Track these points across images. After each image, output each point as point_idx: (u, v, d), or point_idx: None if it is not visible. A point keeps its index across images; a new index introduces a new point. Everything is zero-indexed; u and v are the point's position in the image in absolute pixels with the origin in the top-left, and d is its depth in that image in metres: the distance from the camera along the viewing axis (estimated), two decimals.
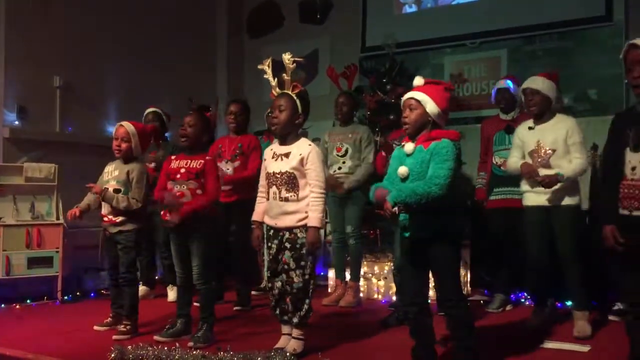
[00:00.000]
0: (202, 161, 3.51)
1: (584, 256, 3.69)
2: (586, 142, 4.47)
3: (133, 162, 3.78)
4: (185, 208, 3.43)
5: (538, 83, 3.72)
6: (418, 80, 2.90)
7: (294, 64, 3.23)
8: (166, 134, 5.16)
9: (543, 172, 3.61)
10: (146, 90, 6.08)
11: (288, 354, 3.04)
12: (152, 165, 4.67)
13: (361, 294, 4.83)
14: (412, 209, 2.74)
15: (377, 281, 4.92)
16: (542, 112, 3.71)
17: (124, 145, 3.75)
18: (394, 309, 4.05)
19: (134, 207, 3.66)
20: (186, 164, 3.51)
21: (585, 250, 3.76)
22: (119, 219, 3.70)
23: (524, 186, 3.75)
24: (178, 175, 3.49)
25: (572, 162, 3.58)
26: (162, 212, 3.56)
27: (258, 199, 3.35)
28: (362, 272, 4.84)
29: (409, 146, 2.83)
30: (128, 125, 3.79)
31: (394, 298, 4.45)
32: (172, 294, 4.71)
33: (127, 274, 3.73)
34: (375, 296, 4.90)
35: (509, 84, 4.46)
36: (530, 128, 3.75)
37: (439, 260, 2.80)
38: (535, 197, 3.67)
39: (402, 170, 2.79)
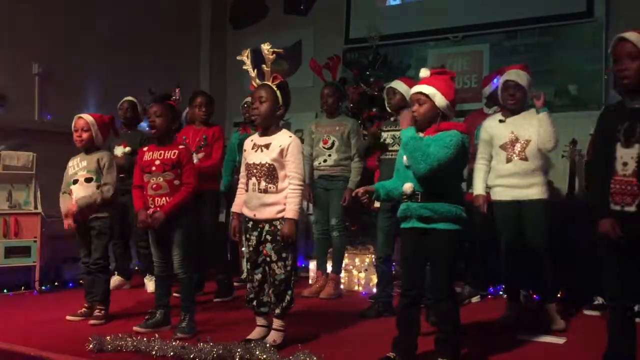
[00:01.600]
0: (176, 151, 3.48)
1: (559, 250, 3.73)
2: (566, 137, 4.55)
3: (98, 151, 3.82)
4: (167, 206, 3.42)
5: (523, 78, 3.67)
6: (424, 72, 2.91)
7: (274, 55, 3.22)
8: (141, 124, 5.13)
9: (518, 163, 3.61)
10: (127, 80, 6.01)
11: (268, 345, 3.04)
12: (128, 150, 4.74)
13: (342, 286, 4.85)
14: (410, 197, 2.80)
15: (358, 273, 4.94)
16: (521, 108, 3.68)
17: (84, 135, 3.79)
18: (373, 301, 4.07)
19: (109, 195, 3.71)
20: (160, 155, 3.48)
21: (562, 244, 3.81)
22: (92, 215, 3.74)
23: (494, 180, 3.73)
24: (153, 168, 3.47)
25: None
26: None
27: (238, 190, 3.34)
28: (343, 264, 4.86)
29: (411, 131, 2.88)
30: (86, 117, 3.84)
31: (374, 290, 4.48)
32: (151, 284, 4.69)
33: (101, 259, 3.76)
34: (356, 288, 4.92)
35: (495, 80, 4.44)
36: (500, 121, 3.72)
37: (437, 252, 2.83)
38: (504, 192, 3.68)
39: (406, 158, 2.84)
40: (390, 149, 4.01)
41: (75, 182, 3.77)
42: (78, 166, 3.79)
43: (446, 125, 2.82)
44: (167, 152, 3.49)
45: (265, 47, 3.22)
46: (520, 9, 5.72)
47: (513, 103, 3.68)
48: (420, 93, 2.84)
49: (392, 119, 4.13)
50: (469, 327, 3.58)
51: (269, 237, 3.17)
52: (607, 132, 2.55)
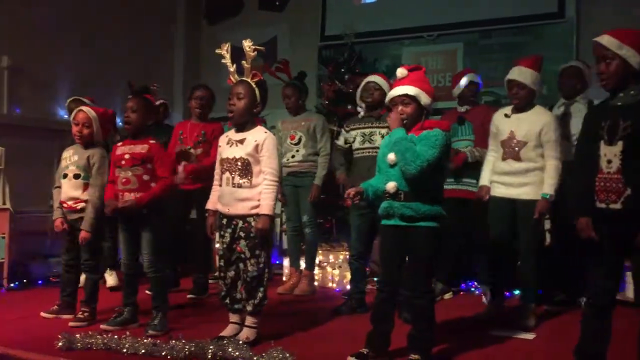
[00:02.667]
0: (147, 145, 3.44)
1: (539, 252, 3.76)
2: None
3: (93, 147, 3.71)
4: (143, 196, 3.36)
5: (527, 77, 3.62)
6: (402, 73, 2.92)
7: (255, 52, 3.20)
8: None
9: (511, 163, 3.62)
10: (100, 74, 5.92)
11: (241, 342, 3.03)
12: None
13: (316, 283, 4.85)
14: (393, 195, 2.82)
15: (332, 270, 4.95)
16: (526, 105, 3.66)
17: (85, 131, 3.66)
18: (347, 298, 4.08)
19: (97, 200, 3.58)
20: (130, 150, 3.44)
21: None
22: (80, 205, 3.63)
23: (494, 176, 3.74)
24: (123, 162, 3.42)
25: (546, 166, 3.56)
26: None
27: (213, 187, 3.32)
28: (317, 261, 4.86)
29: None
30: (89, 111, 3.70)
31: (348, 287, 4.49)
32: (111, 279, 4.63)
33: (90, 260, 3.67)
34: (330, 285, 4.93)
35: (473, 78, 4.47)
36: (506, 115, 3.71)
37: (417, 250, 2.85)
38: (502, 189, 3.68)
39: (392, 156, 2.84)
40: (360, 146, 4.03)
41: (65, 176, 3.67)
42: (70, 160, 3.69)
43: (430, 124, 2.86)
44: (137, 146, 3.44)
45: (247, 44, 3.20)
46: (493, 9, 5.79)
47: (517, 102, 3.67)
48: (406, 95, 2.86)
49: (360, 115, 4.14)
50: (441, 323, 3.61)
51: (242, 234, 3.15)
52: (591, 130, 2.57)
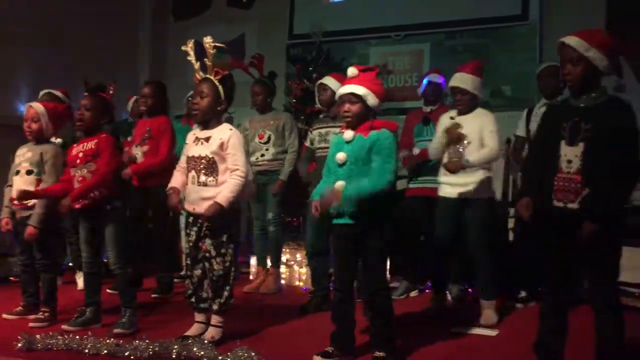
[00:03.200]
0: (96, 140, 3.39)
1: (494, 245, 3.84)
2: (501, 137, 4.69)
3: (46, 143, 3.65)
4: (74, 192, 3.31)
5: (468, 83, 3.72)
6: (352, 72, 2.93)
7: (215, 50, 3.18)
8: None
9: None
10: (62, 70, 5.80)
11: (206, 341, 3.01)
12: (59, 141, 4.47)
13: (282, 281, 4.85)
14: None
15: (299, 268, 4.95)
16: (469, 110, 3.76)
17: (34, 126, 3.60)
18: (312, 296, 4.09)
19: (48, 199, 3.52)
20: (82, 147, 3.41)
21: (495, 239, 3.93)
22: (30, 202, 3.55)
23: (442, 177, 3.82)
24: (77, 161, 3.38)
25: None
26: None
27: (175, 171, 3.29)
28: (284, 259, 4.85)
29: (348, 134, 2.88)
30: (37, 106, 3.64)
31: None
32: (81, 281, 4.55)
33: (44, 259, 3.59)
34: (297, 283, 4.92)
35: (436, 78, 4.52)
36: (452, 118, 3.80)
37: (371, 248, 2.87)
38: (450, 189, 3.76)
39: (340, 156, 2.85)
40: (318, 145, 4.05)
41: (17, 172, 3.61)
42: (23, 157, 3.64)
43: (378, 124, 2.87)
44: (88, 142, 3.40)
45: (207, 41, 3.18)
46: (459, 10, 5.87)
47: (461, 108, 3.77)
48: (352, 94, 2.86)
49: (321, 115, 4.17)
50: (406, 320, 3.66)
51: (208, 233, 3.13)
52: (550, 128, 2.60)
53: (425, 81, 4.48)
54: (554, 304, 2.61)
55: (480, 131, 3.69)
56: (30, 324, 3.44)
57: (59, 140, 4.51)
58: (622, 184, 2.44)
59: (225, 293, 3.15)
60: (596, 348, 2.53)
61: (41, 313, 3.55)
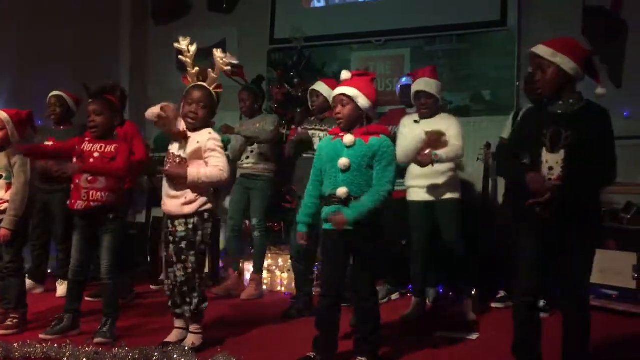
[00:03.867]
0: (116, 145, 3.37)
1: (470, 246, 3.92)
2: (480, 141, 4.75)
3: (11, 148, 3.59)
4: (89, 164, 3.27)
5: (433, 87, 3.83)
6: (345, 75, 2.96)
7: (228, 67, 3.15)
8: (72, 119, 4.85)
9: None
10: (40, 75, 5.72)
11: (187, 348, 2.99)
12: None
13: (264, 287, 4.84)
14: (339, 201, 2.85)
15: (281, 274, 4.94)
16: (434, 113, 3.88)
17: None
18: (294, 301, 4.08)
19: (19, 198, 3.48)
20: (100, 148, 3.34)
21: (471, 240, 3.99)
22: (3, 206, 3.52)
23: (410, 181, 3.90)
24: (91, 160, 3.32)
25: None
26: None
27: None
28: (265, 265, 4.84)
29: (348, 138, 2.87)
30: (1, 113, 3.61)
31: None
32: (61, 289, 4.49)
33: (11, 263, 3.53)
34: (279, 288, 4.91)
35: (411, 81, 4.56)
36: (415, 122, 3.90)
37: (361, 254, 2.88)
38: (419, 192, 3.85)
39: (344, 162, 2.83)
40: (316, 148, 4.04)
41: None
42: None
43: (374, 128, 2.91)
44: (108, 146, 3.35)
45: (218, 55, 3.16)
46: (439, 16, 5.91)
47: (426, 112, 3.87)
48: (343, 95, 2.88)
49: (312, 118, 4.17)
50: (387, 324, 3.66)
51: (170, 238, 3.14)
52: (530, 135, 2.64)
53: (397, 87, 4.57)
54: (526, 303, 2.65)
55: (446, 131, 3.74)
56: (1, 332, 3.38)
57: (50, 144, 4.45)
58: (593, 183, 2.54)
59: (194, 300, 3.12)
60: (563, 347, 2.60)
61: (10, 320, 3.49)
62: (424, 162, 3.66)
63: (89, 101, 3.42)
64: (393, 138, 4.22)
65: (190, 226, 3.10)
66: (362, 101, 2.87)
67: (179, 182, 3.07)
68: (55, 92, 4.71)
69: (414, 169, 3.84)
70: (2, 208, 3.51)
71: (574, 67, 2.54)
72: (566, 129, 2.51)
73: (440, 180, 3.81)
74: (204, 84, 3.15)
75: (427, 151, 3.66)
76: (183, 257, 3.11)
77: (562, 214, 2.50)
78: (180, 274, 3.11)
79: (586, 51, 2.64)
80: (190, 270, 3.11)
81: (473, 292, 3.98)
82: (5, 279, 3.57)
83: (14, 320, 3.48)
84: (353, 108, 2.87)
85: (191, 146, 3.10)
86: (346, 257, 2.94)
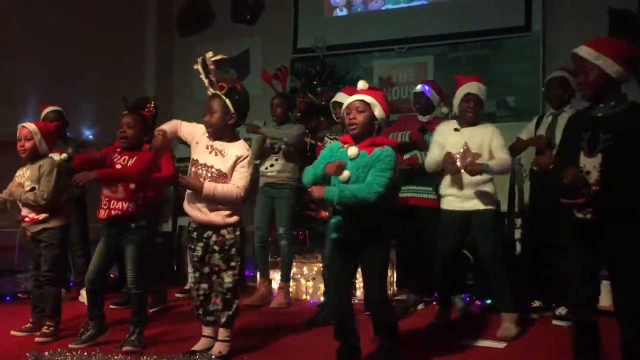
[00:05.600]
0: (137, 157, 3.40)
1: (507, 259, 3.82)
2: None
3: (41, 159, 3.68)
4: (103, 171, 3.33)
5: (482, 90, 3.74)
6: (363, 84, 2.96)
7: (214, 64, 3.19)
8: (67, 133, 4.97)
9: (464, 175, 3.64)
10: (68, 87, 5.85)
11: (213, 356, 3.01)
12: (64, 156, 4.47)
13: (290, 295, 4.85)
14: (345, 209, 2.81)
15: (306, 282, 4.94)
16: (477, 120, 3.75)
17: (27, 145, 3.65)
18: (320, 309, 4.08)
19: (39, 200, 3.56)
20: (124, 161, 3.41)
21: (507, 253, 3.91)
22: (42, 216, 3.61)
23: (446, 189, 3.79)
24: (118, 166, 3.40)
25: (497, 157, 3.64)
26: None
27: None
28: (290, 273, 4.85)
29: (352, 150, 2.86)
30: (29, 125, 3.70)
31: (322, 299, 4.50)
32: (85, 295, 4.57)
33: (50, 272, 3.60)
34: (304, 297, 4.91)
35: (426, 88, 4.52)
36: (456, 130, 3.77)
37: (370, 262, 2.87)
38: (454, 202, 3.73)
39: (345, 175, 2.81)
40: None
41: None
42: (24, 176, 3.68)
43: (381, 140, 2.87)
44: (130, 159, 3.41)
45: (209, 56, 3.21)
46: (462, 22, 5.90)
47: (472, 116, 3.74)
48: (362, 101, 2.87)
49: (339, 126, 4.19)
50: (412, 333, 3.65)
51: (216, 247, 3.16)
52: (572, 138, 2.59)
53: (425, 89, 4.49)
54: (586, 318, 2.55)
55: (488, 144, 3.66)
56: (37, 339, 3.46)
57: (64, 155, 4.56)
58: (635, 186, 2.40)
59: (234, 306, 3.17)
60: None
61: (46, 327, 3.57)
62: (474, 171, 3.55)
63: (124, 113, 3.49)
64: (406, 143, 4.28)
65: (238, 232, 3.18)
66: (379, 111, 2.87)
67: (195, 193, 3.12)
68: (51, 107, 4.78)
69: (449, 177, 3.74)
70: (40, 217, 3.60)
71: (618, 70, 2.45)
72: (605, 132, 2.43)
73: (478, 190, 3.65)
74: (214, 92, 3.19)
75: (477, 160, 3.57)
76: (233, 263, 3.15)
77: (604, 219, 2.40)
78: (228, 280, 3.14)
79: (633, 51, 2.51)
80: (237, 277, 3.17)
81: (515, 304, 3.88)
82: (43, 288, 3.65)
83: (50, 328, 3.55)
84: (368, 116, 2.86)
85: (231, 159, 3.13)
86: (354, 268, 2.94)
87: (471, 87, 3.75)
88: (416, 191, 4.31)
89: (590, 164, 2.46)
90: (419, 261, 4.45)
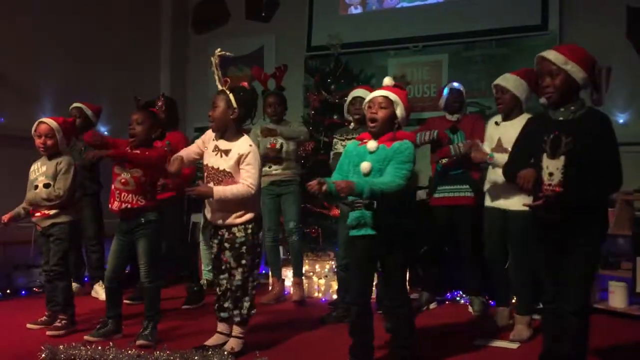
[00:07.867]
0: (148, 152, 3.43)
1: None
2: None
3: (59, 156, 3.71)
4: (114, 150, 3.36)
5: (509, 82, 3.68)
6: (389, 80, 2.95)
7: (219, 59, 3.21)
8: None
9: (499, 172, 3.36)
10: (85, 83, 5.89)
11: (226, 352, 3.02)
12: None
13: None
14: (367, 205, 2.80)
15: (318, 280, 4.95)
16: (510, 110, 3.69)
17: (49, 142, 3.66)
18: (333, 307, 4.08)
19: (53, 197, 3.59)
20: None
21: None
22: (52, 211, 3.64)
23: (486, 185, 3.76)
24: (125, 164, 3.41)
25: None
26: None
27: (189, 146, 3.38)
28: (303, 270, 4.85)
29: (372, 143, 2.87)
30: (50, 122, 3.70)
31: (335, 296, 4.50)
32: (102, 291, 4.61)
33: (58, 266, 3.64)
34: (316, 294, 4.92)
35: (461, 87, 4.48)
36: (496, 123, 3.76)
37: (390, 260, 2.86)
38: (491, 198, 3.71)
39: (365, 165, 2.83)
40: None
41: (36, 187, 3.67)
42: (38, 171, 3.70)
43: (401, 134, 2.88)
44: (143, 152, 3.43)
45: (216, 52, 3.24)
46: (478, 21, 5.86)
47: (501, 107, 3.72)
48: (386, 97, 2.87)
49: (351, 126, 4.16)
50: (426, 332, 3.64)
51: (227, 245, 3.17)
52: (532, 142, 2.66)
53: (446, 91, 4.41)
54: (555, 310, 2.63)
55: None
56: (48, 332, 3.50)
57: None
58: (596, 188, 2.53)
59: (246, 304, 3.17)
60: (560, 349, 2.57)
61: (59, 321, 3.61)
62: (476, 158, 3.64)
63: (134, 111, 3.52)
64: (432, 139, 4.25)
65: (249, 231, 3.17)
66: (400, 111, 2.87)
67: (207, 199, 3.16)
68: (75, 104, 4.86)
69: (491, 173, 3.71)
70: (51, 213, 3.64)
71: (584, 77, 2.55)
72: (567, 135, 2.53)
73: (509, 188, 3.50)
74: (223, 88, 3.19)
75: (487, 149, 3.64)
76: (243, 261, 3.16)
77: (566, 219, 2.52)
78: (238, 277, 3.15)
79: (595, 61, 2.59)
80: (247, 275, 3.16)
81: (513, 300, 3.90)
82: (52, 282, 3.69)
83: (63, 322, 3.59)
84: (390, 113, 2.86)
85: (233, 158, 3.14)
86: (374, 265, 2.92)
87: (499, 79, 3.74)
88: (452, 190, 4.25)
89: (553, 166, 2.55)
90: (437, 260, 4.43)
